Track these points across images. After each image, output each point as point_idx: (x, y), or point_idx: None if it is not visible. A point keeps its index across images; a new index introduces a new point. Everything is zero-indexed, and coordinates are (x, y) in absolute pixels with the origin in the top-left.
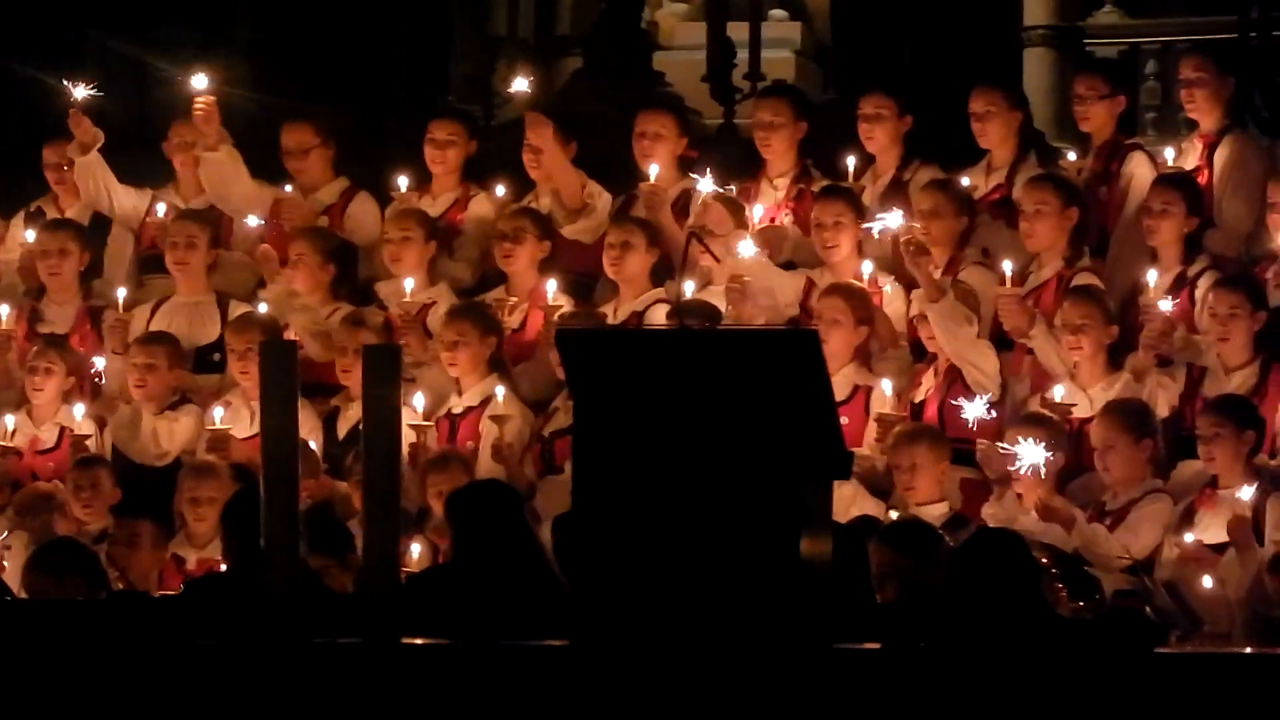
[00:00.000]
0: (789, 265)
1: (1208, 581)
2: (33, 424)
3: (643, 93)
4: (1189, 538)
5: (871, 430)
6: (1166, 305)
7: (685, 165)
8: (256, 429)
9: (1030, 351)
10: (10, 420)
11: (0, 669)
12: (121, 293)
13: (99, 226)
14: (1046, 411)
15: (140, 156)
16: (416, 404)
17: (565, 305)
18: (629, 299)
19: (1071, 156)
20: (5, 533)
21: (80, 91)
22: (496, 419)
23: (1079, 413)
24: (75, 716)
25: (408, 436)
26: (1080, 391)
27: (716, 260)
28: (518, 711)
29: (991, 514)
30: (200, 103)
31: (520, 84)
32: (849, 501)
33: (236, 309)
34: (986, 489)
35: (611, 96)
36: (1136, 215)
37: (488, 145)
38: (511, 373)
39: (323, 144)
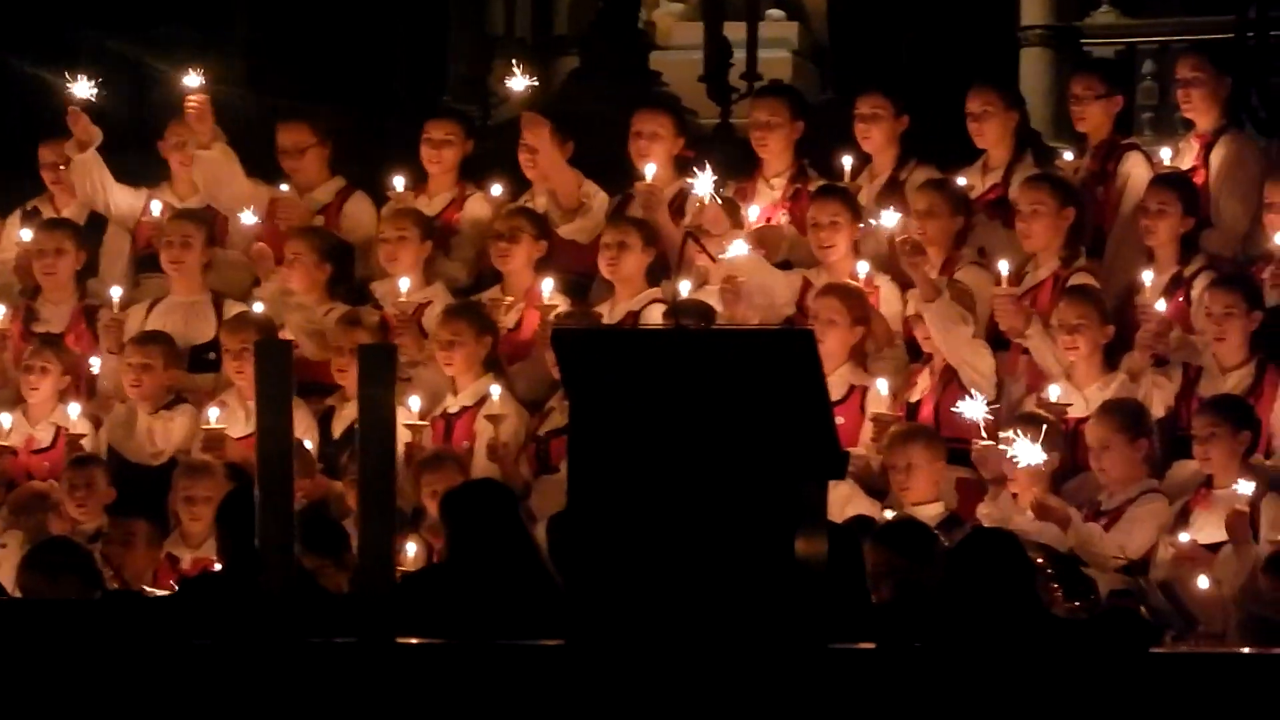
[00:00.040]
0: (785, 265)
1: (1203, 581)
2: (28, 423)
3: (639, 92)
4: (1184, 538)
5: (867, 430)
6: (1162, 306)
7: (681, 165)
8: (251, 428)
9: (1026, 351)
10: (6, 419)
11: None
12: (117, 292)
13: (95, 226)
14: (1042, 411)
15: (137, 156)
16: (412, 404)
17: (561, 305)
18: (625, 299)
19: (1068, 156)
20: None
21: (80, 89)
22: (492, 418)
23: (1075, 412)
24: (70, 716)
25: (403, 436)
26: (1076, 391)
27: (712, 260)
28: (513, 711)
29: (986, 514)
30: (193, 100)
31: (517, 84)
32: (844, 501)
33: (232, 308)
34: (982, 489)
35: (608, 96)
36: (1133, 215)
37: (484, 145)
38: (507, 372)
39: (319, 143)
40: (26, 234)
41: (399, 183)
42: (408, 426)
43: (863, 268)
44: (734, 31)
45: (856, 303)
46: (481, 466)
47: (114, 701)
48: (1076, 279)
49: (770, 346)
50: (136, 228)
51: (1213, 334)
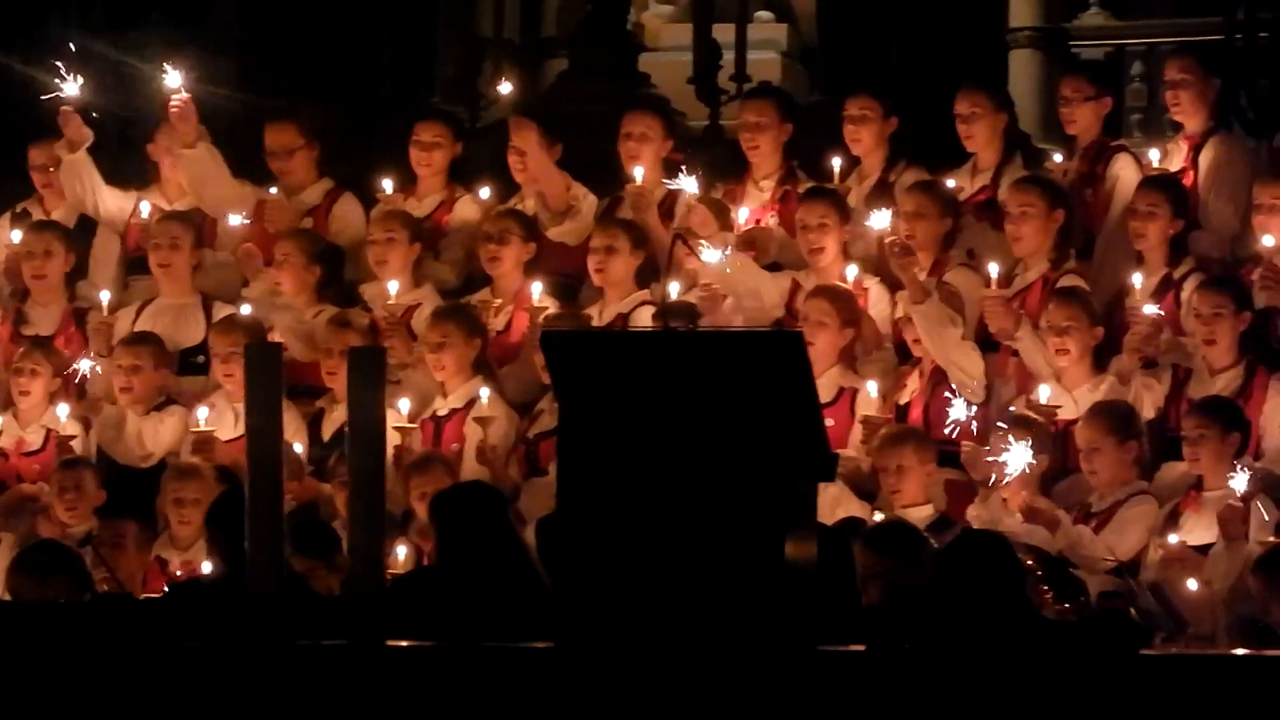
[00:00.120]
0: (774, 267)
1: (1192, 583)
2: (18, 426)
3: (628, 94)
4: (1174, 539)
5: (857, 432)
6: (1151, 309)
7: (670, 167)
8: (241, 431)
9: (1016, 353)
10: None
11: None
12: (106, 295)
13: (84, 228)
14: (1032, 413)
15: (124, 158)
16: (401, 406)
17: (550, 307)
18: (614, 301)
19: (1057, 158)
20: None
21: (71, 89)
22: (481, 421)
23: (1064, 414)
24: (60, 719)
25: (392, 439)
26: (1065, 393)
27: (701, 262)
28: (503, 714)
29: (976, 516)
30: (176, 100)
31: (506, 87)
32: (834, 503)
33: (221, 310)
34: (972, 491)
35: (597, 98)
36: (1122, 217)
37: (473, 147)
38: (496, 375)
39: (307, 145)
40: (16, 236)
41: (388, 185)
42: (397, 429)
43: (852, 270)
44: (723, 33)
45: (846, 305)
46: (471, 469)
47: (104, 704)
48: (1066, 281)
49: (760, 348)
50: (126, 230)
51: (1202, 335)
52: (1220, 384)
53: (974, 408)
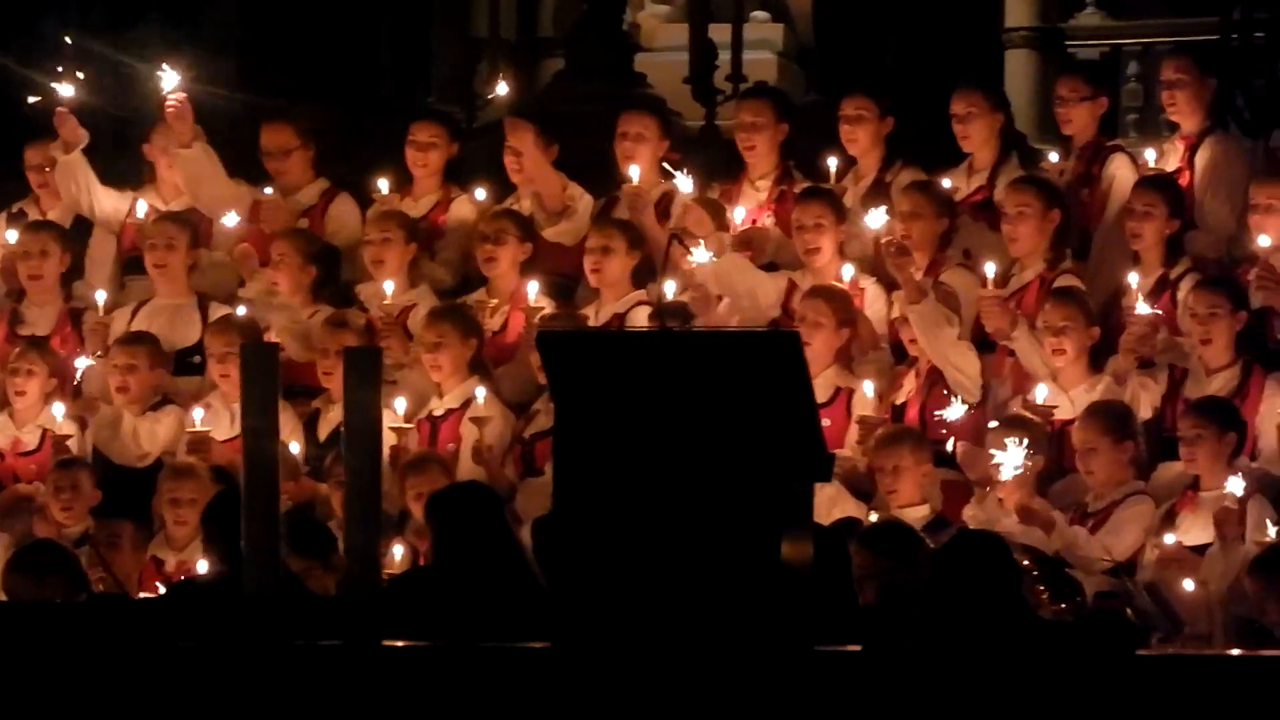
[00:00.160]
0: (771, 267)
1: (1189, 584)
2: (14, 426)
3: (624, 94)
4: (1170, 539)
5: (853, 432)
6: (1145, 309)
7: (665, 168)
8: (236, 431)
9: (1012, 353)
10: None
11: None
12: (102, 295)
13: (81, 228)
14: (1028, 413)
15: (120, 158)
16: (397, 406)
17: (546, 307)
18: (610, 301)
19: (1053, 158)
20: None
21: (66, 90)
22: (477, 421)
23: (1061, 415)
24: (55, 718)
25: (388, 439)
26: (1062, 393)
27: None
28: (499, 714)
29: (973, 516)
30: (173, 100)
31: (504, 88)
32: (831, 503)
33: (217, 311)
34: (968, 491)
35: (593, 98)
36: (1118, 217)
37: (469, 147)
38: (492, 375)
39: (303, 145)
40: (12, 236)
41: (384, 185)
42: (393, 429)
43: (848, 270)
44: (719, 33)
45: (842, 305)
46: (467, 469)
47: (100, 704)
48: (1062, 281)
49: (756, 348)
50: (122, 230)
51: (1198, 335)
52: (1217, 384)
53: (970, 408)
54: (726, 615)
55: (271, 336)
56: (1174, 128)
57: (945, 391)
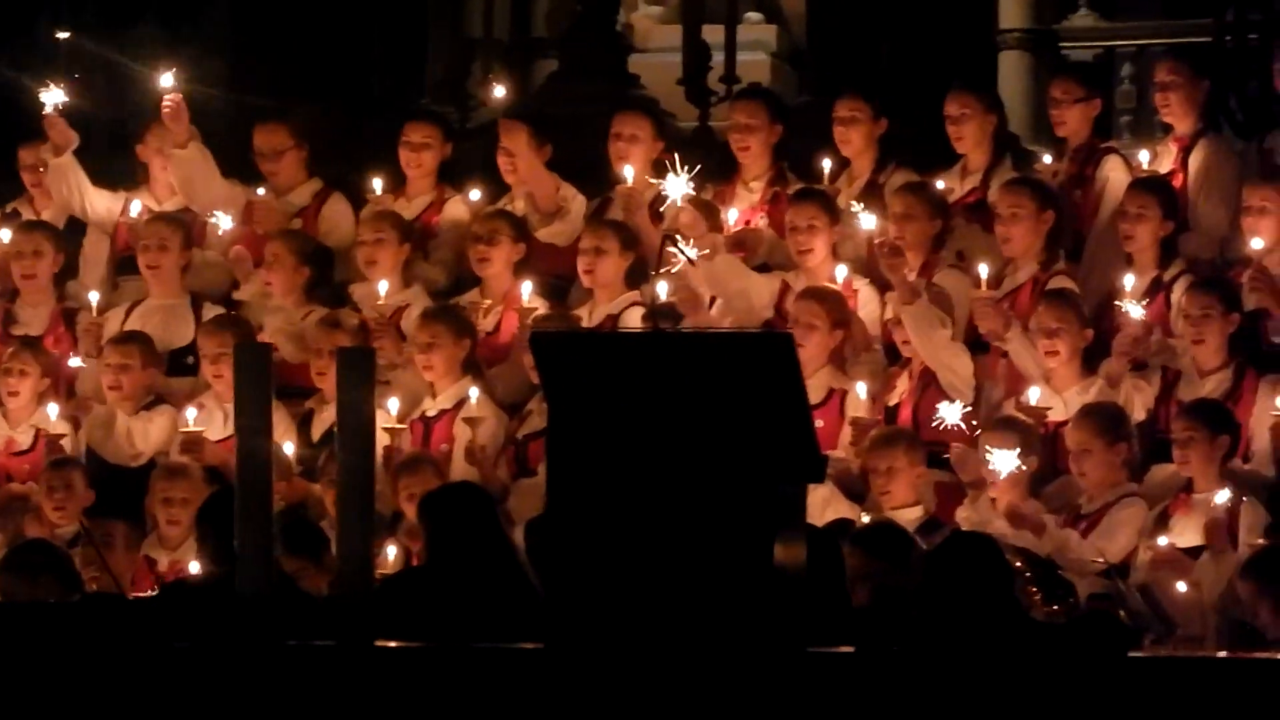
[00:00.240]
0: (764, 268)
1: (1182, 585)
2: (8, 426)
3: (618, 95)
4: (1163, 541)
5: (846, 433)
6: (1139, 312)
7: (659, 168)
8: (230, 431)
9: (1005, 355)
10: None
11: None
12: (95, 295)
13: (74, 228)
14: (1021, 415)
15: (114, 158)
16: (390, 406)
17: (540, 308)
18: (603, 302)
19: (1047, 160)
20: None
21: (53, 94)
22: (470, 421)
23: (1054, 416)
24: (48, 718)
25: (381, 439)
26: (1055, 395)
27: (691, 263)
28: (492, 715)
29: (965, 517)
30: (168, 100)
31: (500, 90)
32: (824, 504)
33: (210, 311)
34: (961, 492)
35: (587, 98)
36: (1112, 219)
37: (463, 147)
38: (486, 375)
39: (296, 146)
40: (5, 235)
41: (378, 185)
42: (386, 429)
43: (841, 271)
44: (712, 34)
45: (836, 306)
46: (460, 469)
47: (93, 705)
48: (1055, 283)
49: (749, 350)
50: (115, 230)
51: (1191, 337)
52: (1209, 386)
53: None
54: (719, 616)
55: (265, 337)
56: (1167, 129)
57: (938, 394)
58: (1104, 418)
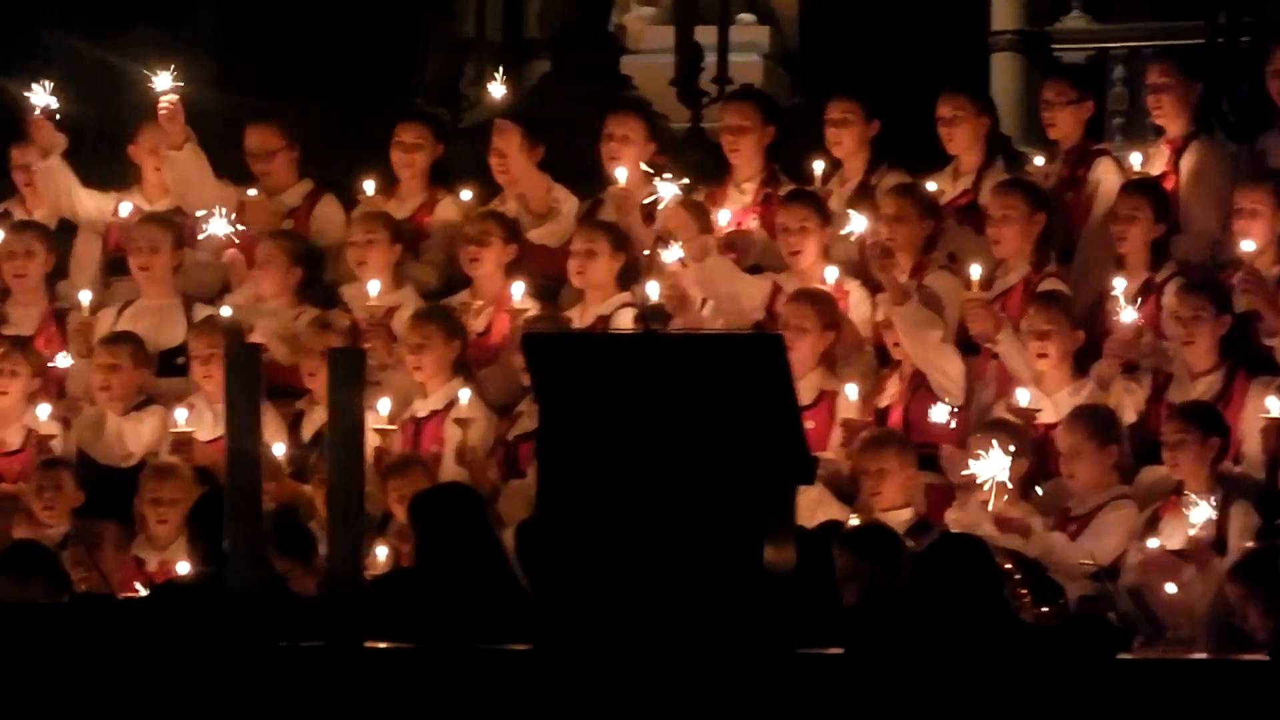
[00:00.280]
0: (755, 269)
1: (1171, 587)
2: None
3: (610, 96)
4: (1153, 544)
5: (837, 435)
6: (1130, 314)
7: (653, 169)
8: (220, 432)
9: (996, 357)
10: None
11: None
12: (86, 295)
13: (66, 229)
14: (1012, 417)
15: (107, 159)
16: (381, 407)
17: (531, 309)
18: (595, 303)
19: (1039, 162)
20: None
21: (40, 97)
22: (460, 423)
23: (1045, 418)
24: None
25: (371, 440)
26: (1046, 397)
27: (682, 265)
28: (481, 716)
29: (955, 519)
30: (165, 101)
31: (498, 91)
32: (814, 506)
33: (202, 312)
34: (951, 494)
35: (579, 99)
36: (1103, 221)
37: (454, 148)
38: (476, 376)
39: (288, 146)
40: None
41: (369, 186)
42: (376, 430)
43: (832, 273)
44: (705, 35)
45: (826, 308)
46: (450, 471)
47: (82, 705)
48: (1046, 285)
49: (740, 351)
50: (106, 231)
51: (1182, 339)
52: (1200, 388)
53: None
54: (709, 618)
55: (256, 338)
56: (1159, 131)
57: (928, 396)
58: (1095, 420)
